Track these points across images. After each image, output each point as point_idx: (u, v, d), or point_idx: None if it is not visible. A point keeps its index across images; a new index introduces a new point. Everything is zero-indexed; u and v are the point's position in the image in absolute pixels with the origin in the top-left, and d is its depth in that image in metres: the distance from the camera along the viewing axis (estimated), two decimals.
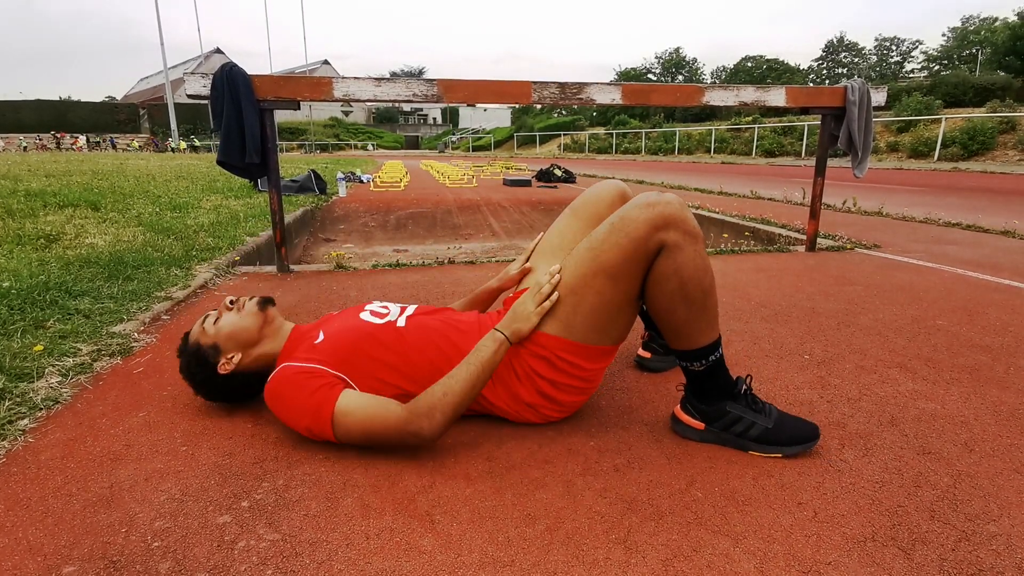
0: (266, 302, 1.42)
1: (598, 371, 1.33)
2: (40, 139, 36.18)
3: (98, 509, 1.05)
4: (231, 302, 1.41)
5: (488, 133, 51.82)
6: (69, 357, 1.70)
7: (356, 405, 1.20)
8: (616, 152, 33.19)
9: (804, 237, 3.80)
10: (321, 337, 1.33)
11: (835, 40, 56.07)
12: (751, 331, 2.07)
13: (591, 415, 1.44)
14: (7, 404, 1.41)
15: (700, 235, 1.20)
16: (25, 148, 31.99)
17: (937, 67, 46.18)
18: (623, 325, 1.29)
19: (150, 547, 0.95)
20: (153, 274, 2.68)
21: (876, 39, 56.95)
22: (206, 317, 1.40)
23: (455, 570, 0.91)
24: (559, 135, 41.98)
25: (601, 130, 38.37)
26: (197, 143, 36.94)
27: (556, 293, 1.27)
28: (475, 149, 47.54)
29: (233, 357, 1.36)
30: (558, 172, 11.18)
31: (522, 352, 1.30)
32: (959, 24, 46.44)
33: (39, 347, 1.72)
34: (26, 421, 1.36)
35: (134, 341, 1.89)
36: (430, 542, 0.97)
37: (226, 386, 1.38)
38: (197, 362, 1.36)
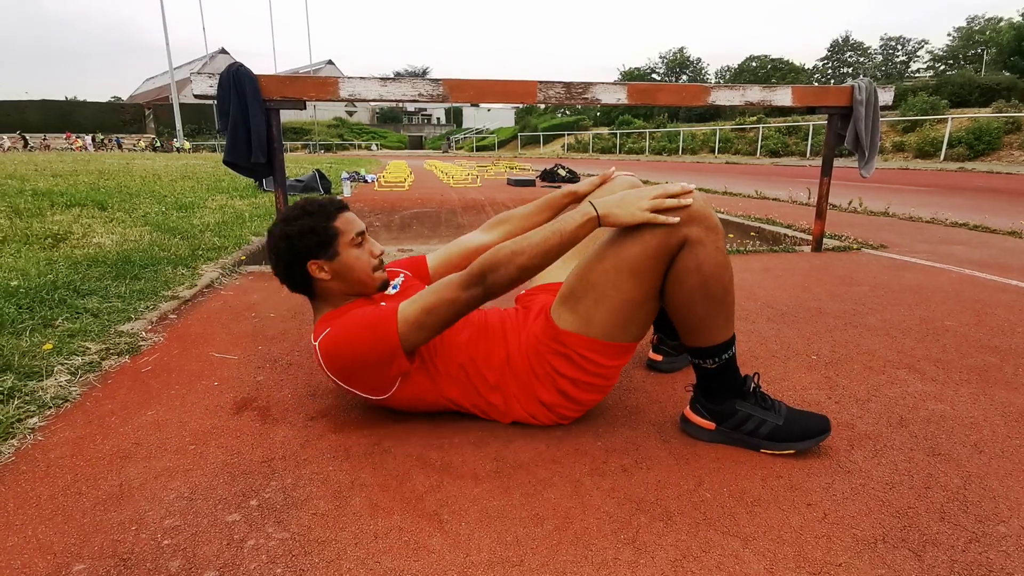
0: (384, 286, 1.41)
1: (617, 368, 1.32)
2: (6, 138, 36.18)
3: (108, 507, 1.06)
4: (381, 255, 1.39)
5: (492, 133, 51.86)
6: (78, 356, 1.71)
7: (414, 298, 1.22)
8: (620, 152, 33.14)
9: (810, 237, 3.78)
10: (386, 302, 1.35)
11: (840, 40, 55.88)
12: (758, 331, 2.07)
13: (599, 415, 1.43)
14: (16, 402, 1.42)
15: (721, 230, 1.19)
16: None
17: (943, 67, 45.99)
18: (644, 321, 1.28)
19: (160, 545, 0.96)
20: (160, 273, 2.69)
21: (882, 39, 56.63)
22: (362, 232, 1.35)
23: (464, 570, 0.91)
24: (563, 135, 41.94)
25: (605, 130, 38.32)
26: (187, 145, 36.98)
27: (677, 218, 1.15)
28: (479, 149, 47.58)
29: (325, 272, 1.32)
30: (562, 172, 11.17)
31: (542, 351, 1.29)
32: (964, 24, 46.21)
33: (48, 346, 1.72)
34: (35, 419, 1.37)
35: (142, 340, 1.90)
36: (439, 541, 0.97)
37: (294, 268, 1.32)
38: (317, 240, 1.29)
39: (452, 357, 1.32)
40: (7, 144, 34.61)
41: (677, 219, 1.15)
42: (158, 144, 39.77)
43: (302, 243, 1.30)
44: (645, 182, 1.52)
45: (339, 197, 7.53)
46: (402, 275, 1.52)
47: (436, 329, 1.23)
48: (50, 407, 1.43)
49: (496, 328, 1.36)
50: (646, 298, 1.24)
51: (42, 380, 1.55)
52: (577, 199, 1.59)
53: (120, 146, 39.42)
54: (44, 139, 39.41)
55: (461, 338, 1.33)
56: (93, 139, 39.56)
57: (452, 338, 1.33)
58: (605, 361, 1.28)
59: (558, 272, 1.50)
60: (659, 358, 1.72)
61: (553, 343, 1.28)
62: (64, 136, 40.16)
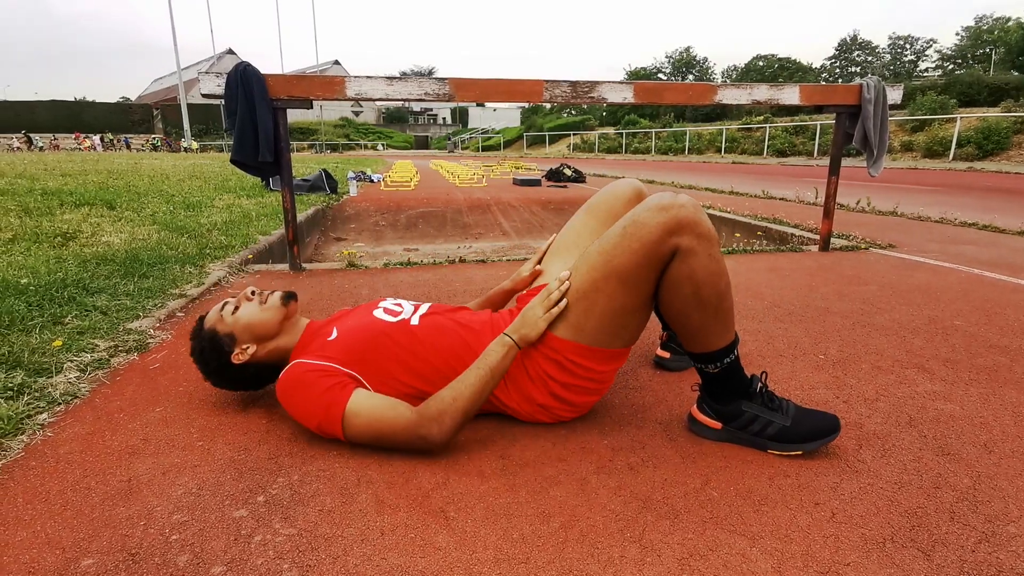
0: (289, 297, 1.42)
1: (610, 372, 1.32)
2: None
3: (116, 502, 1.06)
4: (252, 292, 1.41)
5: (497, 133, 51.86)
6: (87, 353, 1.72)
7: (366, 407, 1.21)
8: (626, 152, 33.08)
9: (817, 237, 3.76)
10: (335, 334, 1.34)
11: (848, 39, 55.56)
12: (765, 331, 2.06)
13: (605, 413, 1.43)
14: (26, 398, 1.43)
15: (715, 237, 1.18)
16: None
17: (951, 66, 45.66)
18: (635, 328, 1.28)
19: (168, 540, 0.96)
20: (168, 272, 2.70)
21: (890, 38, 56.39)
22: (224, 304, 1.40)
23: (470, 567, 0.91)
24: (569, 135, 41.90)
25: (611, 130, 38.26)
26: (194, 145, 37.15)
27: (565, 300, 1.26)
28: (485, 149, 47.58)
29: (248, 348, 1.36)
30: (568, 172, 11.16)
31: (534, 354, 1.29)
32: (973, 23, 45.88)
33: (58, 343, 1.74)
34: (45, 415, 1.38)
35: (150, 337, 1.91)
36: (445, 538, 0.97)
37: (237, 375, 1.39)
38: (212, 349, 1.36)
39: (446, 361, 1.30)
40: (16, 144, 34.91)
41: (565, 303, 1.25)
42: (158, 144, 39.91)
43: (211, 362, 1.37)
44: (650, 182, 1.52)
45: (346, 196, 7.56)
46: (333, 331, 1.40)
47: (374, 443, 1.23)
48: (59, 403, 1.44)
49: (489, 331, 1.35)
50: (638, 306, 1.24)
51: (52, 376, 1.56)
52: (513, 293, 1.61)
53: (129, 146, 39.68)
54: (54, 139, 39.71)
55: (455, 341, 1.33)
56: (102, 139, 39.82)
57: (446, 343, 1.32)
58: (597, 367, 1.28)
59: (556, 273, 1.50)
60: (667, 355, 1.72)
61: (544, 348, 1.28)
62: (73, 136, 40.45)
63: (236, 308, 1.39)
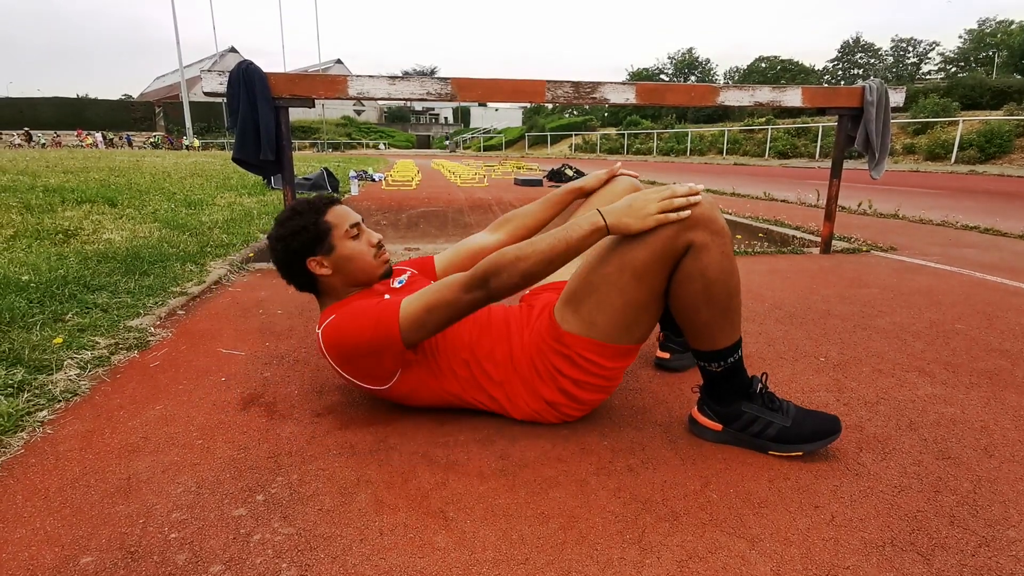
0: (389, 273, 1.43)
1: (619, 369, 1.31)
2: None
3: (116, 500, 1.06)
4: (380, 243, 1.40)
5: (499, 133, 51.86)
6: (87, 350, 1.72)
7: (417, 295, 1.22)
8: (628, 153, 33.07)
9: (819, 239, 3.76)
10: (390, 295, 1.35)
11: (851, 41, 55.55)
12: (765, 332, 2.05)
13: (604, 415, 1.43)
14: (27, 395, 1.43)
15: (728, 234, 1.18)
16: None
17: (954, 69, 45.63)
18: (647, 324, 1.27)
19: (167, 538, 0.96)
20: (169, 270, 2.71)
21: (892, 40, 56.27)
22: (358, 223, 1.37)
23: (469, 567, 0.91)
24: (570, 135, 41.88)
25: (613, 131, 38.25)
26: (196, 143, 37.17)
27: (689, 212, 1.13)
28: (486, 149, 47.59)
29: (326, 269, 1.34)
30: (569, 172, 11.15)
31: (544, 350, 1.29)
32: (975, 26, 45.84)
33: (58, 340, 1.74)
34: (45, 412, 1.38)
35: (150, 335, 1.91)
36: (444, 539, 0.97)
37: (297, 267, 1.35)
38: (310, 237, 1.32)
39: (455, 353, 1.32)
40: (17, 140, 34.94)
41: (688, 213, 1.13)
42: (158, 142, 39.88)
43: (296, 242, 1.32)
44: (652, 183, 1.52)
45: (347, 195, 7.56)
46: (408, 272, 1.52)
47: (436, 327, 1.23)
48: (59, 400, 1.44)
49: (500, 325, 1.36)
50: (649, 301, 1.23)
51: (52, 374, 1.56)
52: (582, 195, 1.59)
53: (131, 144, 39.71)
54: (56, 135, 39.75)
55: (464, 333, 1.33)
56: (104, 136, 39.87)
57: (455, 333, 1.33)
58: (607, 363, 1.27)
59: (564, 270, 1.49)
60: (667, 356, 1.71)
61: (555, 343, 1.28)
62: (75, 133, 40.50)
63: (357, 236, 1.36)
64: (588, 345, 1.25)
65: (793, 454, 1.23)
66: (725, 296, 1.18)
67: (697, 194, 1.16)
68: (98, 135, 39.68)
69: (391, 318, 1.21)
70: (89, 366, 1.63)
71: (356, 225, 1.37)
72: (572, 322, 1.26)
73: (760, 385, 1.28)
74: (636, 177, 1.58)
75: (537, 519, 1.03)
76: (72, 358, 1.66)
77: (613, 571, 0.90)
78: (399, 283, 1.45)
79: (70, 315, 1.98)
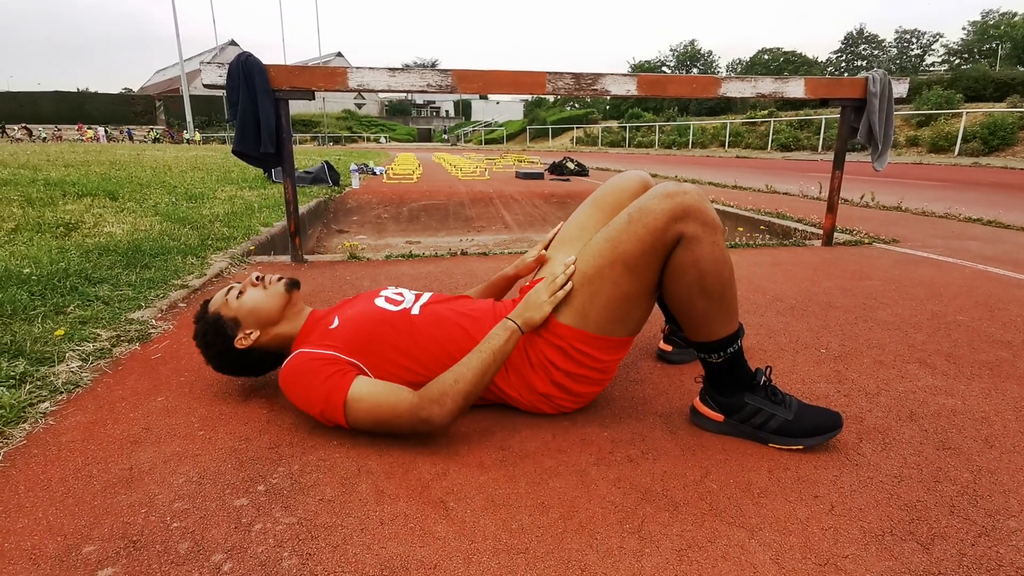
0: (292, 284, 1.43)
1: (613, 362, 1.32)
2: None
3: (118, 490, 1.07)
4: (257, 278, 1.41)
5: (500, 126, 51.70)
6: (89, 342, 1.72)
7: (367, 392, 1.21)
8: (629, 146, 32.96)
9: (821, 231, 3.75)
10: (336, 323, 1.34)
11: (855, 32, 55.23)
12: (767, 324, 2.05)
13: (605, 406, 1.43)
14: (29, 387, 1.43)
15: (719, 226, 1.18)
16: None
17: (957, 61, 45.37)
18: (639, 316, 1.28)
19: (169, 527, 0.97)
20: (170, 262, 2.71)
21: (896, 31, 55.91)
22: (230, 289, 1.40)
23: (469, 556, 0.91)
24: (572, 128, 41.75)
25: (614, 123, 38.13)
26: (197, 136, 37.12)
27: (570, 284, 1.26)
28: (487, 142, 47.46)
29: (252, 333, 1.36)
30: (571, 165, 11.13)
31: (537, 341, 1.29)
32: (979, 18, 45.53)
33: (60, 332, 1.74)
34: (47, 404, 1.38)
35: (152, 327, 1.91)
36: (444, 528, 0.98)
37: (240, 360, 1.39)
38: (215, 332, 1.37)
39: (440, 358, 1.29)
40: (17, 134, 34.92)
41: (570, 286, 1.26)
42: (158, 136, 39.81)
43: (214, 346, 1.38)
44: (653, 176, 1.51)
45: (348, 188, 7.55)
46: (336, 319, 1.41)
47: (377, 429, 1.23)
48: (61, 392, 1.45)
49: (490, 318, 1.35)
50: (642, 293, 1.24)
51: (54, 366, 1.56)
52: (519, 278, 1.62)
53: (131, 137, 39.69)
54: (57, 129, 39.73)
55: (457, 329, 1.32)
56: (106, 131, 39.85)
57: (448, 332, 1.32)
58: (600, 355, 1.28)
59: (556, 264, 1.49)
60: (669, 348, 1.71)
61: (549, 335, 1.28)
62: (76, 128, 40.46)
63: (241, 293, 1.39)
64: (581, 337, 1.26)
65: (794, 448, 1.23)
66: (719, 287, 1.19)
67: (572, 265, 1.28)
68: (100, 129, 39.66)
69: (336, 409, 1.20)
70: (91, 358, 1.64)
71: (229, 289, 1.40)
72: (565, 314, 1.27)
73: (764, 378, 1.28)
74: (643, 173, 1.58)
75: (537, 509, 1.03)
76: (74, 350, 1.66)
77: (613, 560, 0.91)
78: (335, 324, 1.37)
79: (72, 307, 1.98)
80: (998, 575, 0.88)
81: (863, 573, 0.88)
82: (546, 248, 1.57)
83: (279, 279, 1.43)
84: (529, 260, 1.57)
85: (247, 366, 1.42)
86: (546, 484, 1.11)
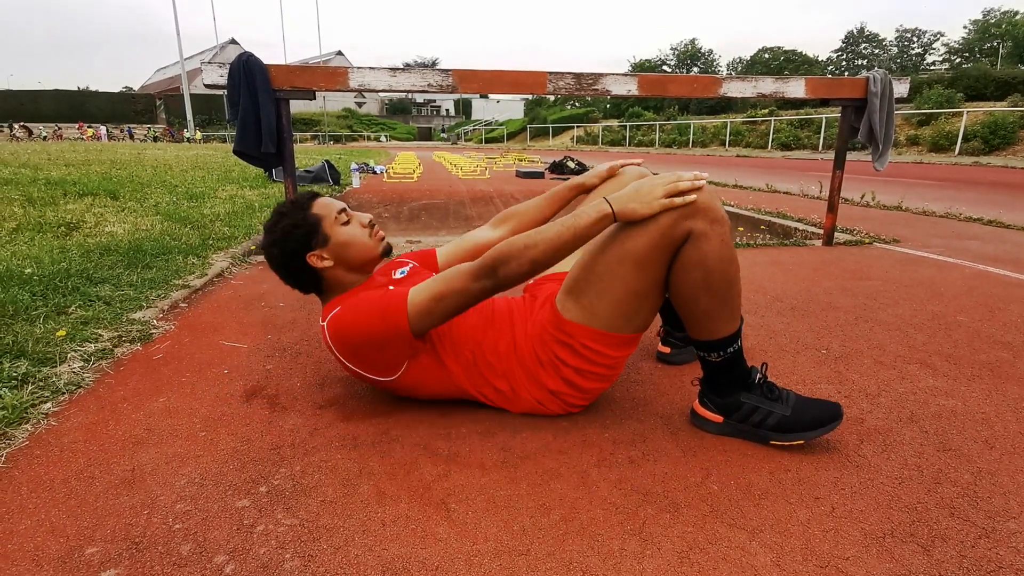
0: (389, 250, 1.42)
1: (622, 358, 1.31)
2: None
3: (120, 491, 1.07)
4: (370, 222, 1.38)
5: (501, 125, 51.67)
6: (91, 343, 1.73)
7: (425, 285, 1.22)
8: (630, 145, 32.93)
9: (821, 231, 3.75)
10: (394, 287, 1.34)
11: (855, 31, 55.18)
12: (767, 325, 2.05)
13: (606, 407, 1.43)
14: (31, 388, 1.44)
15: (727, 223, 1.18)
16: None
17: (958, 60, 45.33)
18: (648, 313, 1.27)
19: (171, 529, 0.97)
20: (171, 262, 2.71)
21: (897, 30, 55.79)
22: (343, 211, 1.36)
23: (471, 558, 0.92)
24: (572, 127, 41.71)
25: (615, 122, 38.10)
26: (198, 135, 37.13)
27: (694, 196, 1.14)
28: (488, 141, 47.43)
29: (327, 260, 1.33)
30: (571, 164, 11.12)
31: (546, 339, 1.29)
32: (980, 17, 45.47)
33: (61, 332, 1.74)
34: (49, 405, 1.38)
35: (153, 328, 1.91)
36: (445, 530, 0.98)
37: (294, 266, 1.34)
38: (303, 234, 1.31)
39: (459, 343, 1.32)
40: (16, 133, 34.90)
41: (693, 197, 1.14)
42: (157, 135, 39.77)
43: (291, 242, 1.32)
44: (654, 174, 1.50)
45: (349, 187, 7.55)
46: (410, 264, 1.52)
47: (444, 316, 1.23)
48: (63, 393, 1.45)
49: (503, 315, 1.37)
50: (650, 290, 1.23)
51: (55, 366, 1.57)
52: (584, 191, 1.58)
53: (132, 136, 39.70)
54: (57, 128, 39.72)
55: (468, 325, 1.34)
56: (108, 131, 39.85)
57: (460, 324, 1.33)
58: (609, 352, 1.27)
59: (566, 261, 1.49)
60: (668, 350, 1.72)
61: (558, 332, 1.28)
62: (77, 126, 40.46)
63: (348, 222, 1.35)
64: (590, 334, 1.25)
65: (794, 443, 1.23)
66: (725, 285, 1.19)
67: (702, 180, 1.16)
68: (102, 128, 39.66)
69: (399, 308, 1.21)
70: (92, 358, 1.64)
71: (343, 211, 1.36)
72: (574, 311, 1.26)
73: (759, 375, 1.28)
74: (640, 164, 1.57)
75: (538, 510, 1.03)
76: (75, 351, 1.66)
77: (614, 562, 0.91)
78: (401, 274, 1.45)
79: (73, 308, 1.99)
80: None
81: (864, 575, 0.89)
82: (620, 167, 1.53)
83: (383, 238, 1.41)
84: (602, 171, 1.53)
85: (297, 273, 1.36)
86: (547, 485, 1.11)
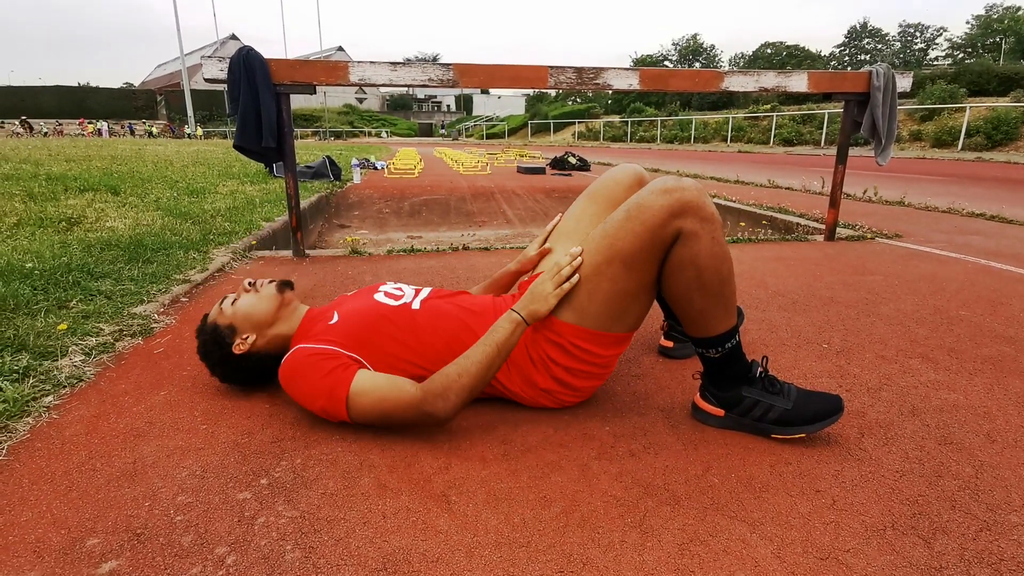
0: (284, 285, 1.43)
1: (613, 357, 1.32)
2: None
3: (122, 483, 1.07)
4: (249, 284, 1.43)
5: (502, 121, 51.57)
6: (92, 337, 1.73)
7: (370, 386, 1.21)
8: (631, 140, 32.87)
9: (823, 226, 3.74)
10: (336, 318, 1.34)
11: (858, 26, 54.92)
12: (768, 320, 2.05)
13: (606, 401, 1.43)
14: (32, 381, 1.44)
15: (718, 221, 1.18)
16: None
17: (961, 55, 45.13)
18: (638, 312, 1.28)
19: (173, 521, 0.97)
20: (172, 257, 2.71)
21: (900, 25, 55.67)
22: (224, 299, 1.42)
23: (471, 550, 0.92)
24: (573, 123, 41.64)
25: (616, 118, 38.01)
26: (199, 132, 37.12)
27: (577, 276, 1.25)
28: (489, 137, 47.34)
29: (248, 337, 1.37)
30: (572, 160, 11.11)
31: (537, 338, 1.29)
32: (983, 12, 45.26)
33: (63, 326, 1.74)
34: (50, 398, 1.39)
35: (154, 322, 1.91)
36: (446, 522, 0.98)
37: (240, 366, 1.40)
38: (214, 341, 1.38)
39: (443, 356, 1.29)
40: (17, 129, 34.88)
41: (577, 278, 1.24)
42: (154, 131, 39.73)
43: (216, 354, 1.39)
44: (655, 171, 1.51)
45: (349, 183, 7.54)
46: (335, 315, 1.42)
47: (381, 421, 1.23)
48: (65, 386, 1.45)
49: (493, 315, 1.35)
50: (640, 290, 1.23)
51: (57, 360, 1.57)
52: (521, 275, 1.60)
53: (133, 132, 39.69)
54: (58, 124, 39.71)
55: (459, 324, 1.33)
56: (108, 126, 39.84)
57: (450, 326, 1.32)
58: (600, 351, 1.28)
59: (559, 256, 1.49)
60: (670, 344, 1.71)
61: (548, 332, 1.28)
62: (78, 123, 40.44)
63: (235, 300, 1.41)
64: (580, 333, 1.25)
65: (796, 436, 1.23)
66: (718, 283, 1.18)
67: (579, 258, 1.24)
68: (103, 124, 39.65)
69: (339, 402, 1.20)
70: (94, 352, 1.64)
71: (223, 300, 1.41)
72: (563, 311, 1.26)
73: (760, 369, 1.28)
74: (636, 165, 1.57)
75: (539, 503, 1.03)
76: (77, 344, 1.66)
77: (614, 554, 0.91)
78: (332, 321, 1.37)
79: (74, 302, 1.99)
80: (999, 569, 0.88)
81: (864, 567, 0.89)
82: (545, 242, 1.57)
83: (270, 281, 1.43)
84: (531, 254, 1.56)
85: (249, 372, 1.42)
86: (548, 478, 1.11)
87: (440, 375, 1.21)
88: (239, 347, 1.37)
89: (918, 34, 53.23)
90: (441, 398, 1.18)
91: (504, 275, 1.63)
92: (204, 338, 1.40)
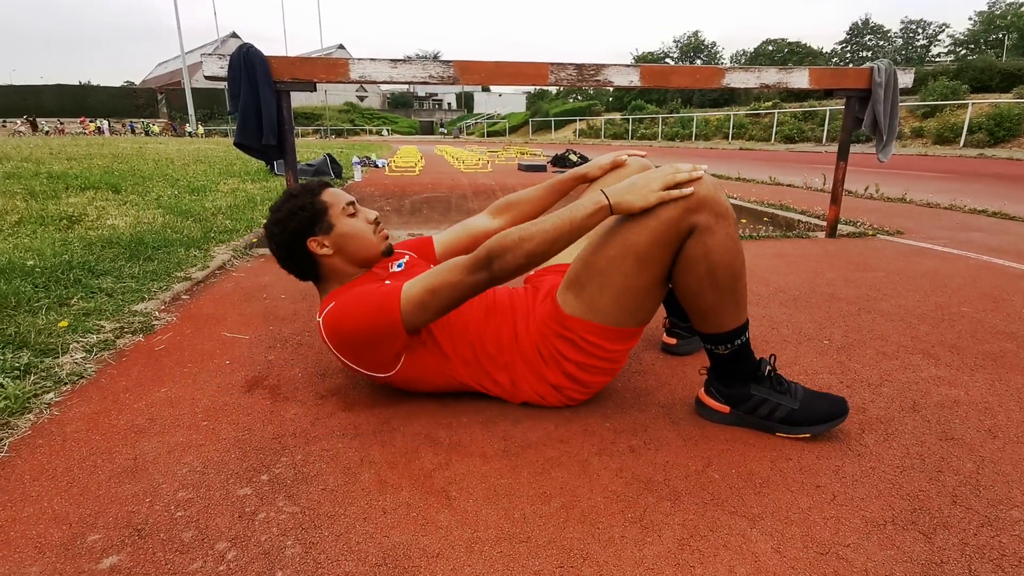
0: (390, 251, 1.41)
1: (623, 352, 1.31)
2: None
3: (123, 480, 1.07)
4: (376, 219, 1.39)
5: (503, 118, 51.52)
6: (93, 334, 1.73)
7: (420, 277, 1.21)
8: (632, 138, 32.82)
9: (824, 223, 3.73)
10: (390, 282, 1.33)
11: (860, 22, 54.77)
12: (770, 316, 2.05)
13: (607, 397, 1.43)
14: (33, 378, 1.44)
15: (732, 216, 1.16)
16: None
17: (963, 51, 45.00)
18: (650, 307, 1.26)
19: (173, 516, 0.97)
20: (173, 255, 2.71)
21: (902, 22, 55.56)
22: (351, 203, 1.36)
23: (471, 545, 0.92)
24: (574, 120, 41.57)
25: (617, 115, 37.96)
26: (200, 130, 37.12)
27: (691, 189, 1.13)
28: (490, 134, 47.31)
29: (327, 249, 1.33)
30: (573, 157, 11.09)
31: (548, 333, 1.28)
32: (985, 8, 45.11)
33: (64, 324, 1.75)
34: (52, 395, 1.39)
35: (155, 319, 1.92)
36: (446, 518, 0.98)
37: (296, 251, 1.33)
38: (307, 218, 1.31)
39: (459, 336, 1.31)
40: (20, 127, 34.91)
41: (691, 190, 1.12)
42: (152, 130, 39.70)
43: (294, 223, 1.31)
44: (656, 168, 1.49)
45: (350, 181, 7.54)
46: (407, 255, 1.50)
47: (439, 311, 1.22)
48: (66, 383, 1.45)
49: (505, 307, 1.36)
50: (652, 285, 1.22)
51: (58, 357, 1.57)
52: (585, 181, 1.56)
53: (134, 131, 39.72)
54: (60, 123, 39.74)
55: (469, 316, 1.33)
56: (110, 125, 39.87)
57: (461, 316, 1.32)
58: (611, 346, 1.27)
59: (568, 252, 1.48)
60: (673, 341, 1.71)
61: (558, 327, 1.27)
62: (79, 121, 40.47)
63: (354, 215, 1.36)
64: (591, 328, 1.24)
65: (801, 436, 1.23)
66: (730, 279, 1.17)
67: (700, 171, 1.15)
68: (105, 123, 39.68)
69: (392, 303, 1.20)
70: (95, 349, 1.64)
71: (351, 203, 1.36)
72: (575, 306, 1.25)
73: (768, 367, 1.27)
74: (644, 156, 1.56)
75: (539, 498, 1.03)
76: (78, 341, 1.67)
77: (615, 549, 0.91)
78: (398, 267, 1.43)
79: (75, 299, 1.99)
80: (1000, 565, 0.88)
81: (864, 562, 0.88)
82: (621, 161, 1.51)
83: (386, 237, 1.41)
84: (604, 162, 1.51)
85: (296, 256, 1.35)
86: (548, 474, 1.11)
87: (500, 236, 1.16)
88: (313, 244, 1.32)
89: (920, 30, 53.09)
90: (497, 256, 1.14)
91: (569, 177, 1.55)
92: (301, 203, 1.31)
